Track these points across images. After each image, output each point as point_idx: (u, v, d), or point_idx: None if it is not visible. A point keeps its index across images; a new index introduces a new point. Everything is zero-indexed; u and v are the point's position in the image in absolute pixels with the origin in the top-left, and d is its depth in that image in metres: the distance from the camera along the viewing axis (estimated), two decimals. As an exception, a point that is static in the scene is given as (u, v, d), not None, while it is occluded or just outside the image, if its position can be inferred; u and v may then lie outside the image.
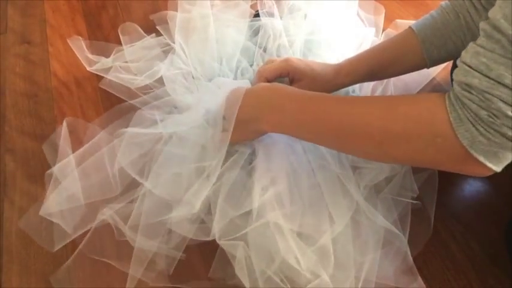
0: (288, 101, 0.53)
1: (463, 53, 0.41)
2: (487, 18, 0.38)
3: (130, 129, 0.66)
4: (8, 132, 0.75)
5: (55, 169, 0.63)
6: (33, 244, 0.60)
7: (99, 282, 0.56)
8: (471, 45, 0.40)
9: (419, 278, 0.54)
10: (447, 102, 0.41)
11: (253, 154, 0.63)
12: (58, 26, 0.96)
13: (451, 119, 0.40)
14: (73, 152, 0.65)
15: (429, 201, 0.60)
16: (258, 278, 0.53)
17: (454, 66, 0.75)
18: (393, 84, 0.78)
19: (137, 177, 0.61)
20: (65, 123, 0.69)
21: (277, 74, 0.65)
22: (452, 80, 0.74)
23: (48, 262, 0.58)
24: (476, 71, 0.38)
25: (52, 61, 0.88)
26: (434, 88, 0.80)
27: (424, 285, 0.54)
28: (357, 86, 0.76)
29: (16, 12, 1.01)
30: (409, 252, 0.55)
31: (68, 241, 0.58)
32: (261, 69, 0.67)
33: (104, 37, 0.92)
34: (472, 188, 0.66)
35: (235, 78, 0.77)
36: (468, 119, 0.39)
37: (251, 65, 0.79)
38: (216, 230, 0.55)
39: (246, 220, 0.56)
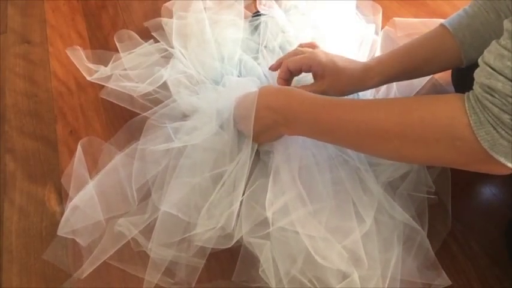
0: (301, 112, 0.52)
1: (485, 53, 0.40)
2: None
3: (144, 147, 0.64)
4: (8, 132, 0.75)
5: (75, 199, 0.61)
6: (33, 244, 0.60)
7: (99, 282, 0.56)
8: (495, 46, 0.39)
9: (443, 272, 0.54)
10: (466, 105, 0.40)
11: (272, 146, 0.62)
12: (58, 26, 0.96)
13: (471, 122, 0.39)
14: (89, 172, 0.65)
15: (445, 195, 0.60)
16: (283, 278, 0.52)
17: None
18: (396, 82, 0.78)
19: (156, 202, 0.59)
20: (79, 148, 0.66)
21: (299, 67, 0.62)
22: (453, 79, 0.75)
23: (48, 262, 0.58)
24: (500, 74, 0.37)
25: (52, 61, 0.88)
26: (435, 87, 0.79)
27: (448, 280, 0.54)
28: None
29: (16, 12, 1.01)
30: (430, 247, 0.55)
31: (97, 265, 0.56)
32: (286, 59, 0.64)
33: (104, 37, 0.92)
34: (472, 188, 0.65)
35: (240, 74, 0.77)
36: (489, 121, 0.38)
37: (255, 60, 0.78)
38: (244, 229, 0.55)
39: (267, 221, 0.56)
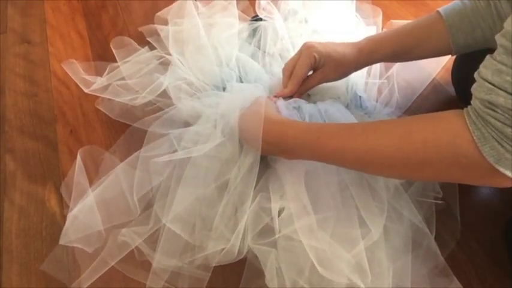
0: (296, 145, 0.52)
1: (482, 69, 0.40)
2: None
3: (147, 155, 0.63)
4: (8, 132, 0.75)
5: (75, 210, 0.59)
6: (33, 244, 0.60)
7: (99, 282, 0.56)
8: (490, 61, 0.39)
9: (455, 279, 0.53)
10: (468, 121, 0.40)
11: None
12: (58, 26, 0.96)
13: (475, 138, 0.39)
14: (90, 180, 0.64)
15: (452, 200, 0.60)
16: None
17: (455, 66, 0.75)
18: (397, 85, 0.78)
19: (159, 212, 0.58)
20: (79, 157, 0.65)
21: (308, 68, 0.64)
22: (453, 79, 0.75)
23: (48, 262, 0.58)
24: (500, 89, 0.37)
25: (52, 61, 0.88)
26: (435, 88, 0.80)
27: (461, 286, 0.53)
28: (362, 89, 0.75)
29: (16, 12, 1.01)
30: (439, 253, 0.55)
31: (98, 275, 0.55)
32: (289, 68, 0.65)
33: (104, 37, 0.92)
34: (472, 188, 0.65)
35: (239, 75, 0.77)
36: (493, 136, 0.38)
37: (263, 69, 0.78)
38: (249, 235, 0.54)
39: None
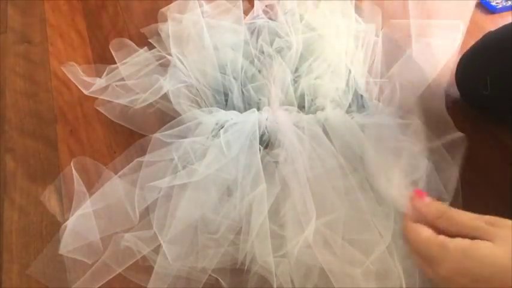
0: None
1: None
2: None
3: (149, 160, 0.63)
4: (8, 131, 0.75)
5: (73, 218, 0.59)
6: (33, 244, 0.60)
7: (98, 282, 0.56)
8: None
9: None
10: None
11: (277, 162, 0.61)
12: (58, 26, 0.96)
13: None
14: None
15: (456, 202, 0.59)
16: None
17: (459, 67, 0.75)
18: (400, 85, 0.77)
19: (162, 222, 0.57)
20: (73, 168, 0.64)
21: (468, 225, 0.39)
22: (457, 80, 0.74)
23: (49, 262, 0.57)
24: None
25: (52, 60, 0.88)
26: (436, 88, 0.79)
27: None
28: (363, 88, 0.75)
29: (16, 12, 1.01)
30: None
31: (99, 282, 0.54)
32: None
33: (104, 37, 0.92)
34: (471, 188, 0.65)
35: (241, 85, 0.75)
36: None
37: (259, 71, 0.77)
38: (258, 249, 0.53)
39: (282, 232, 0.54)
